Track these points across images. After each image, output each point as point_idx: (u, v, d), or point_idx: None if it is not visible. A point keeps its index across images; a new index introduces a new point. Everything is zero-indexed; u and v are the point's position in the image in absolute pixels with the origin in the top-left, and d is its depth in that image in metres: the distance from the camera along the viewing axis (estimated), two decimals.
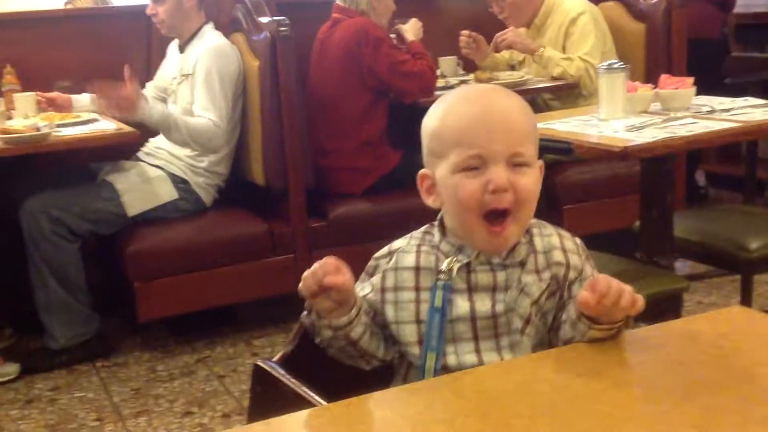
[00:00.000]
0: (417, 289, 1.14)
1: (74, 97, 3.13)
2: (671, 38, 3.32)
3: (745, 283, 2.25)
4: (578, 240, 1.18)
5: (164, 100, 3.16)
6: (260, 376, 1.19)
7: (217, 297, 2.95)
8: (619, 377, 0.97)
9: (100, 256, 3.09)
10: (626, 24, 3.46)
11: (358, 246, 2.99)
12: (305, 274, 1.07)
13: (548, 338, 1.13)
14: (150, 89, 3.25)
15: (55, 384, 2.70)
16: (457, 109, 1.11)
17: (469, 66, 3.65)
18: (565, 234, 1.17)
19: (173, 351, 2.91)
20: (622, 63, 2.28)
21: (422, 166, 1.16)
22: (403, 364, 1.17)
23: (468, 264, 1.12)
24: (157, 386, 2.65)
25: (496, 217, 1.08)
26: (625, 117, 2.20)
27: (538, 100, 3.41)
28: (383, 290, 1.16)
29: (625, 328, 1.06)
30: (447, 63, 3.60)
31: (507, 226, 1.09)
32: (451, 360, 1.12)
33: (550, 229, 1.17)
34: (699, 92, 2.32)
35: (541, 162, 1.13)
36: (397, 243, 1.19)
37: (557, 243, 1.15)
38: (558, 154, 1.97)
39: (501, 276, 1.12)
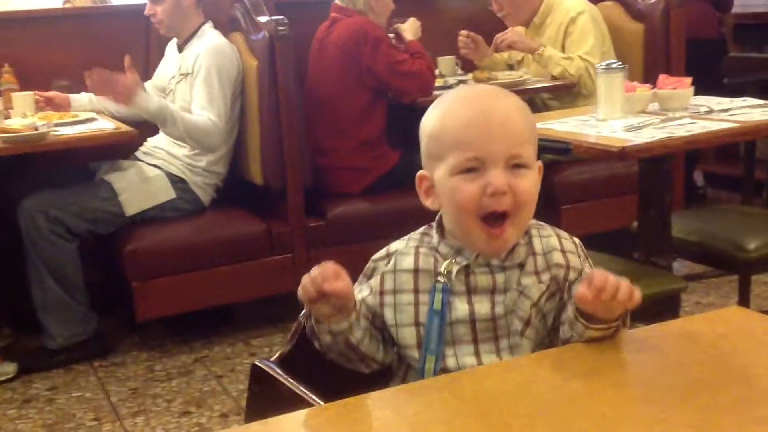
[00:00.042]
0: (416, 291, 1.13)
1: (72, 96, 3.13)
2: (669, 38, 3.32)
3: (743, 283, 2.26)
4: (577, 240, 1.18)
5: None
6: (258, 375, 1.19)
7: (215, 296, 2.95)
8: (617, 377, 0.97)
9: (98, 255, 3.08)
10: (624, 24, 3.46)
11: (357, 246, 2.99)
12: (304, 280, 1.06)
13: (548, 339, 1.13)
14: (149, 89, 3.24)
15: (52, 383, 2.70)
16: (455, 111, 1.11)
17: (467, 66, 3.65)
18: (564, 234, 1.17)
19: (171, 351, 2.91)
20: (620, 63, 2.28)
21: (421, 166, 1.16)
22: (401, 367, 1.17)
23: (467, 266, 1.12)
24: (154, 386, 2.65)
25: (494, 219, 1.08)
26: (624, 117, 2.21)
27: (536, 100, 3.41)
28: (382, 293, 1.15)
29: (623, 327, 1.06)
30: (445, 63, 3.60)
31: (506, 228, 1.08)
32: (451, 363, 1.11)
33: (548, 230, 1.16)
34: (697, 92, 2.32)
35: (539, 163, 1.12)
36: (395, 245, 1.18)
37: (556, 244, 1.14)
38: (556, 154, 1.97)
39: (500, 278, 1.12)
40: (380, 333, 1.16)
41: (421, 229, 1.19)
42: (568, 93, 3.29)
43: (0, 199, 2.89)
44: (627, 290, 1.00)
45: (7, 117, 2.89)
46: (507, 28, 3.53)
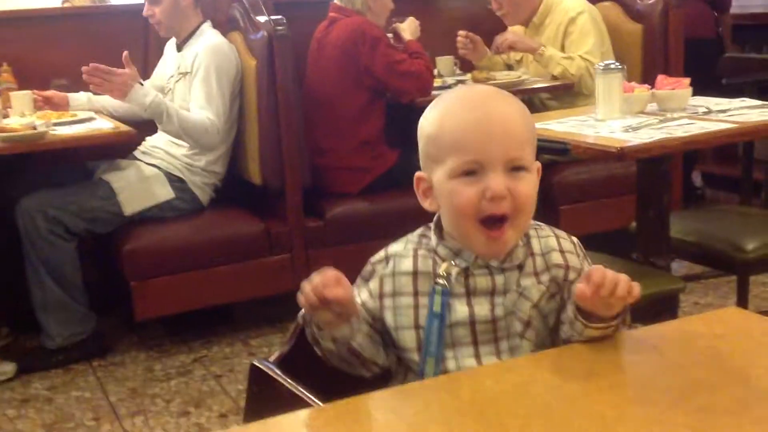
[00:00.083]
0: (415, 294, 1.13)
1: (71, 95, 3.13)
2: (668, 38, 3.33)
3: (742, 283, 2.26)
4: (575, 239, 1.18)
5: None
6: (257, 376, 1.19)
7: (213, 296, 2.95)
8: (615, 378, 0.97)
9: (97, 254, 3.08)
10: (623, 24, 3.47)
11: (356, 245, 3.00)
12: (304, 287, 1.05)
13: (550, 340, 1.12)
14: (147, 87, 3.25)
15: (51, 383, 2.70)
16: (454, 114, 1.10)
17: (466, 65, 3.65)
18: (562, 234, 1.17)
19: (170, 350, 2.91)
20: (618, 63, 2.28)
21: (419, 167, 1.16)
22: (401, 369, 1.16)
23: (466, 268, 1.11)
24: (153, 386, 2.65)
25: (493, 222, 1.07)
26: (622, 117, 2.21)
27: (534, 100, 3.41)
28: (381, 296, 1.15)
29: (623, 326, 1.06)
30: (444, 62, 3.60)
31: (505, 230, 1.08)
32: (451, 365, 1.11)
33: (546, 230, 1.16)
34: (694, 92, 2.33)
35: (538, 164, 1.12)
36: (393, 247, 1.17)
37: (555, 244, 1.14)
38: (555, 155, 1.97)
39: (499, 279, 1.11)
40: (381, 336, 1.16)
41: (419, 231, 1.18)
42: (567, 93, 3.29)
43: None
44: (626, 285, 1.00)
45: (6, 116, 2.89)
46: (506, 27, 3.54)
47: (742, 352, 1.00)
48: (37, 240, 2.73)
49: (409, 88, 3.10)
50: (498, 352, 1.12)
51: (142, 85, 2.81)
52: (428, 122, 1.13)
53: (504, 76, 3.42)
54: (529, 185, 1.08)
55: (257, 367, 1.19)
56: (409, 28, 3.30)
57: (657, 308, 1.87)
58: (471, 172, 1.07)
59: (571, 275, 1.13)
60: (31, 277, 2.76)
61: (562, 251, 1.14)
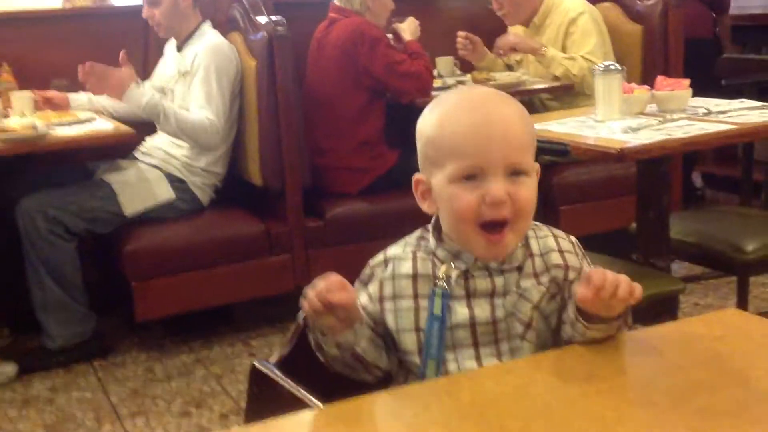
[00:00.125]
0: (415, 296, 1.13)
1: (71, 95, 3.13)
2: (668, 39, 3.33)
3: (742, 284, 2.26)
4: (573, 238, 1.17)
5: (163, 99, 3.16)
6: (257, 377, 1.19)
7: (214, 297, 2.95)
8: (614, 380, 0.97)
9: (97, 254, 3.08)
10: (623, 25, 3.47)
11: (355, 246, 3.01)
12: (308, 293, 1.04)
13: (552, 341, 1.12)
14: (148, 88, 3.24)
15: (52, 384, 2.70)
16: (454, 117, 1.09)
17: (465, 66, 3.65)
18: (560, 234, 1.17)
19: (170, 351, 2.91)
20: (618, 64, 2.28)
21: (419, 168, 1.16)
22: (402, 372, 1.16)
23: (466, 270, 1.11)
24: (154, 386, 2.65)
25: (494, 227, 1.07)
26: (622, 118, 2.21)
27: (535, 101, 3.42)
28: (381, 299, 1.14)
29: (624, 327, 1.06)
30: (444, 63, 3.60)
31: (505, 234, 1.07)
32: (452, 367, 1.11)
33: (545, 230, 1.16)
34: (692, 92, 2.33)
35: (537, 165, 1.12)
36: (392, 250, 1.17)
37: (553, 244, 1.14)
38: (555, 156, 1.97)
39: (499, 281, 1.11)
40: (383, 339, 1.15)
41: (417, 233, 1.18)
42: (568, 93, 3.29)
43: None
44: (627, 287, 1.00)
45: (6, 116, 2.89)
46: (506, 27, 3.54)
47: (741, 354, 1.00)
48: (37, 240, 2.73)
49: (408, 89, 3.10)
50: (499, 353, 1.11)
51: (139, 84, 2.81)
52: (428, 125, 1.12)
53: (504, 76, 3.42)
54: (529, 190, 1.08)
55: (257, 368, 1.19)
56: (409, 28, 3.30)
57: (657, 309, 1.88)
58: (471, 176, 1.07)
59: (571, 275, 1.13)
60: (32, 277, 2.76)
61: (560, 251, 1.14)
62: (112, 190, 2.86)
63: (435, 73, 3.41)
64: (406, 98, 3.11)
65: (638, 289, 1.01)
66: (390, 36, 3.27)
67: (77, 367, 2.79)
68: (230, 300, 3.02)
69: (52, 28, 3.34)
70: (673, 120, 2.15)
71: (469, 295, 1.11)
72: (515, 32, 3.51)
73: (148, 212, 2.89)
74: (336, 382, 1.15)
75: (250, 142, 3.07)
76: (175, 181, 2.96)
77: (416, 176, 1.14)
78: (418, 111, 1.17)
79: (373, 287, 1.16)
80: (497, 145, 1.06)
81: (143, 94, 2.79)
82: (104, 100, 3.10)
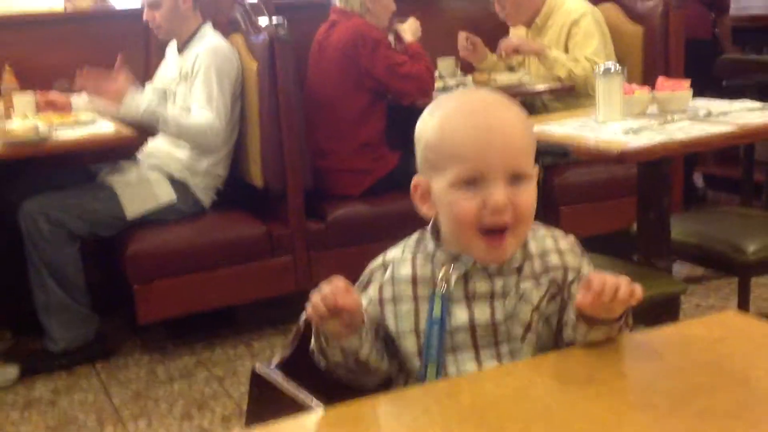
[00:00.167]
0: (415, 299, 1.13)
1: (73, 97, 3.13)
2: (668, 40, 3.33)
3: (743, 285, 2.26)
4: (572, 237, 1.17)
5: (164, 101, 3.17)
6: (258, 379, 1.19)
7: (216, 299, 2.95)
8: (614, 382, 0.97)
9: (99, 256, 3.09)
10: (624, 26, 3.47)
11: (357, 248, 3.01)
12: (314, 298, 1.04)
13: (553, 342, 1.12)
14: (149, 91, 3.25)
15: (55, 386, 2.71)
16: (455, 123, 1.09)
17: (467, 67, 3.65)
18: (559, 233, 1.17)
19: (173, 353, 2.92)
20: (618, 65, 2.29)
21: None
22: (402, 374, 1.16)
23: (465, 273, 1.11)
24: (156, 388, 2.66)
25: (494, 232, 1.07)
26: (623, 119, 2.21)
27: (536, 102, 3.42)
28: (382, 302, 1.15)
29: (625, 328, 1.06)
30: (446, 64, 3.60)
31: (506, 238, 1.07)
32: (452, 369, 1.11)
33: (543, 230, 1.16)
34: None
35: (536, 168, 1.12)
36: (391, 253, 1.17)
37: (552, 245, 1.14)
38: (555, 157, 1.98)
39: (498, 283, 1.11)
40: (383, 343, 1.15)
41: (416, 235, 1.18)
42: (570, 94, 3.29)
43: (0, 202, 2.90)
44: (627, 289, 1.00)
45: (8, 118, 2.89)
46: (508, 29, 3.54)
47: (741, 356, 1.00)
48: (39, 242, 2.73)
49: (409, 90, 3.11)
50: (499, 355, 1.12)
51: (136, 91, 2.82)
52: (428, 129, 1.12)
53: (505, 77, 3.43)
54: (529, 195, 1.08)
55: (258, 370, 1.19)
56: (410, 28, 3.30)
57: (658, 310, 1.88)
58: (471, 181, 1.06)
59: (570, 275, 1.13)
60: (34, 279, 2.76)
61: (559, 252, 1.14)
62: (114, 193, 2.87)
63: (436, 74, 3.41)
64: (407, 100, 3.11)
65: (638, 290, 1.01)
66: (391, 37, 3.28)
67: (79, 370, 2.79)
68: (232, 302, 3.03)
69: (53, 30, 3.34)
70: (673, 121, 2.15)
71: (469, 298, 1.11)
72: (518, 34, 3.51)
73: (150, 214, 2.90)
74: (337, 385, 1.15)
75: (252, 144, 3.07)
76: (176, 184, 2.96)
77: (415, 180, 1.14)
78: (419, 112, 1.16)
79: (372, 290, 1.16)
80: (498, 151, 1.06)
81: (140, 103, 2.79)
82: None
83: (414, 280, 1.14)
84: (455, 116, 1.10)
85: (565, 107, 3.23)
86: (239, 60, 3.05)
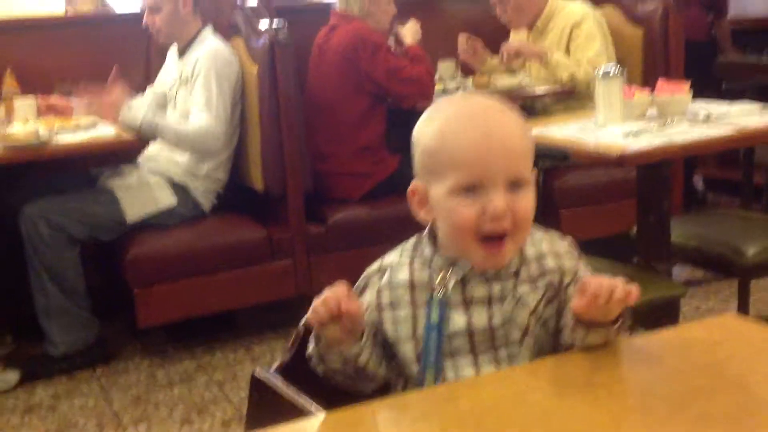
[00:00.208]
0: (413, 305, 1.13)
1: (74, 101, 3.13)
2: (668, 42, 3.33)
3: (742, 288, 2.26)
4: (569, 240, 1.17)
5: (164, 106, 3.17)
6: (258, 384, 1.19)
7: (216, 303, 2.95)
8: (613, 386, 0.97)
9: (100, 260, 3.09)
10: (624, 28, 3.47)
11: (357, 251, 3.01)
12: (315, 303, 1.05)
13: (551, 345, 1.12)
14: (149, 95, 3.26)
15: (55, 391, 2.70)
16: (455, 130, 1.08)
17: (467, 70, 3.65)
18: (555, 236, 1.16)
19: (173, 357, 2.91)
20: (618, 68, 2.29)
21: None
22: (400, 380, 1.16)
23: (463, 278, 1.11)
24: (156, 393, 2.65)
25: (493, 238, 1.07)
26: (623, 122, 2.21)
27: (536, 105, 3.42)
28: (380, 308, 1.14)
29: (623, 330, 1.06)
30: (446, 67, 3.60)
31: (505, 245, 1.07)
32: (450, 375, 1.11)
33: (539, 233, 1.16)
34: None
35: (534, 171, 1.12)
36: (389, 258, 1.17)
37: (548, 248, 1.14)
38: (555, 161, 1.98)
39: (496, 287, 1.11)
40: (381, 348, 1.15)
41: (412, 240, 1.17)
42: (572, 97, 3.29)
43: (1, 205, 2.90)
44: (623, 290, 1.00)
45: (9, 122, 2.90)
46: (508, 31, 3.54)
47: (740, 359, 1.00)
48: (40, 246, 2.74)
49: (410, 94, 3.11)
50: (497, 360, 1.11)
51: (133, 101, 2.83)
52: (426, 135, 1.11)
53: (505, 80, 3.43)
54: (528, 201, 1.08)
55: (258, 375, 1.19)
56: (410, 31, 3.29)
57: (658, 313, 1.88)
58: (471, 188, 1.06)
59: (567, 278, 1.12)
60: (34, 283, 2.77)
61: (556, 255, 1.14)
62: (114, 197, 2.87)
63: (436, 77, 3.41)
64: (407, 103, 3.11)
65: (635, 290, 1.01)
66: (391, 40, 3.28)
67: (80, 374, 2.79)
68: (232, 306, 3.03)
69: (54, 34, 3.35)
70: (673, 124, 2.15)
71: (466, 302, 1.11)
72: (518, 37, 3.51)
73: (150, 218, 2.90)
74: (337, 390, 1.15)
75: (252, 148, 3.07)
76: (177, 188, 2.96)
77: (412, 186, 1.13)
78: (419, 116, 1.15)
79: (370, 295, 1.16)
80: (498, 158, 1.06)
81: (136, 115, 2.80)
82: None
83: (411, 285, 1.13)
84: (455, 123, 1.09)
85: (566, 109, 3.23)
86: (239, 64, 3.05)
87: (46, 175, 3.01)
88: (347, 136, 3.17)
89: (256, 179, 3.07)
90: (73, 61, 3.29)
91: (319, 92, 3.22)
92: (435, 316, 1.10)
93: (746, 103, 2.37)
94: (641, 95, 2.32)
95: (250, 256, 2.97)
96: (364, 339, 1.11)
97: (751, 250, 2.16)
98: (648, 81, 2.89)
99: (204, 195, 3.02)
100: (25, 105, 2.98)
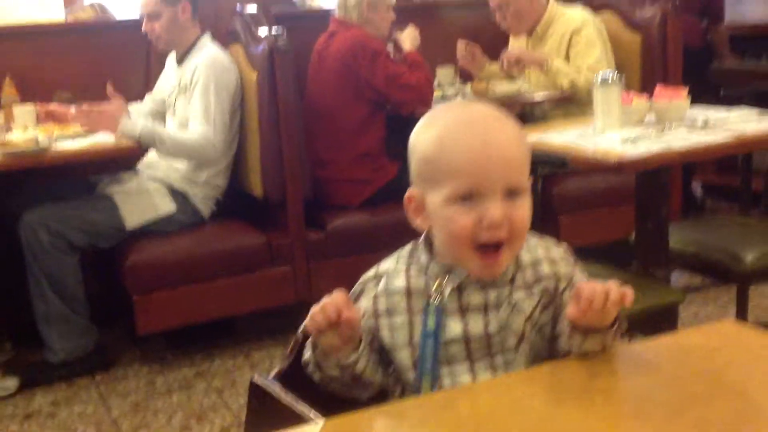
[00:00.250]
0: (409, 312, 1.13)
1: (73, 108, 3.14)
2: (667, 48, 3.34)
3: (741, 294, 2.26)
4: (564, 246, 1.17)
5: (163, 113, 3.18)
6: (256, 391, 1.19)
7: (215, 309, 2.95)
8: (610, 392, 0.97)
9: (99, 267, 3.09)
10: (622, 34, 3.48)
11: (357, 258, 3.01)
12: (313, 310, 1.05)
13: (547, 351, 1.12)
14: (148, 101, 3.26)
15: (54, 398, 2.70)
16: (453, 138, 1.08)
17: (466, 76, 3.65)
18: (550, 242, 1.17)
19: (172, 364, 2.91)
20: (617, 74, 2.29)
21: None
22: (397, 387, 1.16)
23: (459, 285, 1.11)
24: (155, 400, 2.65)
25: (489, 247, 1.07)
26: (621, 129, 2.22)
27: (535, 111, 3.42)
28: (377, 315, 1.14)
29: (619, 335, 1.06)
30: (445, 73, 3.61)
31: (501, 255, 1.07)
32: (446, 382, 1.11)
33: (534, 240, 1.16)
34: None
35: (530, 178, 1.12)
36: (385, 265, 1.17)
37: (543, 254, 1.14)
38: (553, 167, 1.98)
39: (492, 294, 1.11)
40: (378, 355, 1.15)
41: (408, 247, 1.17)
42: (569, 103, 3.29)
43: (1, 213, 2.91)
44: (617, 293, 1.00)
45: (8, 130, 2.90)
46: (507, 37, 3.55)
47: (738, 366, 1.00)
48: (39, 253, 2.74)
49: (409, 100, 3.11)
50: (493, 367, 1.12)
51: (130, 115, 2.84)
52: (424, 142, 1.11)
53: (504, 86, 3.43)
54: (525, 210, 1.08)
55: (257, 382, 1.19)
56: (408, 37, 3.30)
57: (656, 320, 1.87)
58: (468, 197, 1.06)
59: (562, 284, 1.13)
60: (34, 290, 2.77)
61: (551, 261, 1.14)
62: (113, 204, 2.87)
63: (435, 83, 3.41)
64: (406, 109, 3.11)
65: (630, 292, 1.01)
66: (390, 46, 3.28)
67: (79, 381, 2.79)
68: (232, 312, 3.03)
69: (54, 41, 3.35)
70: (671, 130, 2.16)
71: (463, 310, 1.11)
72: (517, 44, 3.52)
73: (149, 225, 2.90)
74: (336, 397, 1.15)
75: (251, 154, 3.07)
76: (176, 194, 2.96)
77: (408, 193, 1.13)
78: (418, 122, 1.15)
79: (366, 302, 1.15)
80: (496, 167, 1.06)
81: (135, 125, 2.81)
82: None
83: (408, 292, 1.13)
84: (453, 132, 1.09)
85: (566, 116, 3.24)
86: (238, 71, 3.06)
87: (45, 182, 3.01)
88: (347, 142, 3.17)
89: (256, 185, 3.07)
90: (72, 68, 3.29)
91: (318, 99, 3.23)
92: (431, 323, 1.10)
93: (744, 109, 2.38)
94: (639, 101, 2.32)
95: (250, 262, 2.97)
96: (361, 347, 1.11)
97: (749, 257, 2.16)
98: (646, 87, 2.89)
99: (203, 201, 3.02)
100: (24, 112, 2.98)
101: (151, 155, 3.09)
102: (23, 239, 2.74)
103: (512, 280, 1.12)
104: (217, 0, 3.36)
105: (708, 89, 3.46)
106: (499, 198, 1.06)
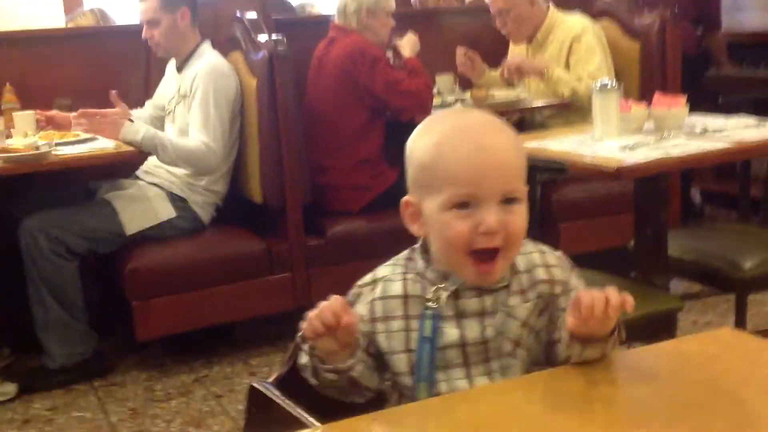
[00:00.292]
0: (406, 317, 1.13)
1: (73, 115, 3.14)
2: (665, 55, 3.35)
3: (740, 302, 2.26)
4: (559, 252, 1.18)
5: (163, 119, 3.18)
6: (255, 397, 1.19)
7: (214, 315, 2.95)
8: (608, 399, 0.97)
9: (98, 273, 3.09)
10: (621, 41, 3.49)
11: (356, 264, 2.99)
12: (310, 315, 1.05)
13: (544, 356, 1.13)
14: (148, 108, 3.27)
15: (53, 404, 2.70)
16: (450, 146, 1.08)
17: (465, 83, 3.66)
18: (545, 248, 1.17)
19: (170, 370, 2.91)
20: (615, 82, 2.30)
21: None
22: (395, 393, 1.16)
23: (455, 291, 1.11)
24: (154, 406, 2.65)
25: (485, 254, 1.07)
26: (620, 136, 2.22)
27: (535, 118, 3.43)
28: (373, 320, 1.15)
29: (618, 343, 1.06)
30: (444, 80, 3.61)
31: (497, 262, 1.08)
32: (443, 387, 1.11)
33: (530, 246, 1.16)
34: None
35: (527, 186, 1.12)
36: (382, 270, 1.17)
37: (539, 260, 1.15)
38: (552, 174, 1.99)
39: (488, 300, 1.12)
40: (374, 360, 1.15)
41: (405, 254, 1.18)
42: (568, 110, 3.30)
43: (0, 218, 2.91)
44: (617, 299, 1.00)
45: (9, 136, 2.90)
46: (506, 44, 3.56)
47: (736, 374, 1.00)
48: (38, 259, 2.74)
49: (408, 107, 3.11)
50: (489, 372, 1.12)
51: (132, 122, 2.84)
52: (421, 149, 1.12)
53: (503, 94, 3.44)
54: (522, 218, 1.08)
55: (256, 388, 1.19)
56: (408, 43, 3.31)
57: (655, 327, 1.87)
58: (464, 204, 1.07)
59: (558, 288, 1.13)
60: (33, 296, 2.77)
61: (546, 266, 1.14)
62: (113, 210, 2.87)
63: (435, 90, 3.42)
64: (405, 116, 3.12)
65: (629, 298, 1.01)
66: (390, 52, 3.29)
67: (77, 387, 2.79)
68: (231, 319, 3.02)
69: (54, 47, 3.36)
70: (670, 137, 2.16)
71: (459, 316, 1.12)
72: (517, 51, 3.52)
73: (149, 231, 2.90)
74: (334, 403, 1.15)
75: (251, 160, 3.08)
76: (176, 200, 2.97)
77: (404, 199, 1.14)
78: None
79: (362, 308, 1.16)
80: (493, 175, 1.06)
81: (138, 130, 2.81)
82: None
83: (405, 298, 1.14)
84: (451, 140, 1.09)
85: (566, 123, 3.24)
86: (237, 78, 3.06)
87: (45, 188, 3.01)
88: (346, 148, 3.17)
89: (255, 192, 3.07)
90: (72, 74, 3.30)
91: (318, 105, 3.23)
92: (428, 328, 1.10)
93: (743, 117, 2.38)
94: (638, 109, 2.33)
95: (249, 268, 2.97)
96: (358, 352, 1.11)
97: (748, 264, 2.16)
98: (645, 94, 2.90)
99: (203, 207, 3.02)
100: (24, 118, 2.99)
101: (151, 161, 3.10)
102: (23, 245, 2.74)
103: (508, 286, 1.12)
104: (217, 7, 3.36)
105: (706, 97, 3.47)
106: (495, 205, 1.06)
